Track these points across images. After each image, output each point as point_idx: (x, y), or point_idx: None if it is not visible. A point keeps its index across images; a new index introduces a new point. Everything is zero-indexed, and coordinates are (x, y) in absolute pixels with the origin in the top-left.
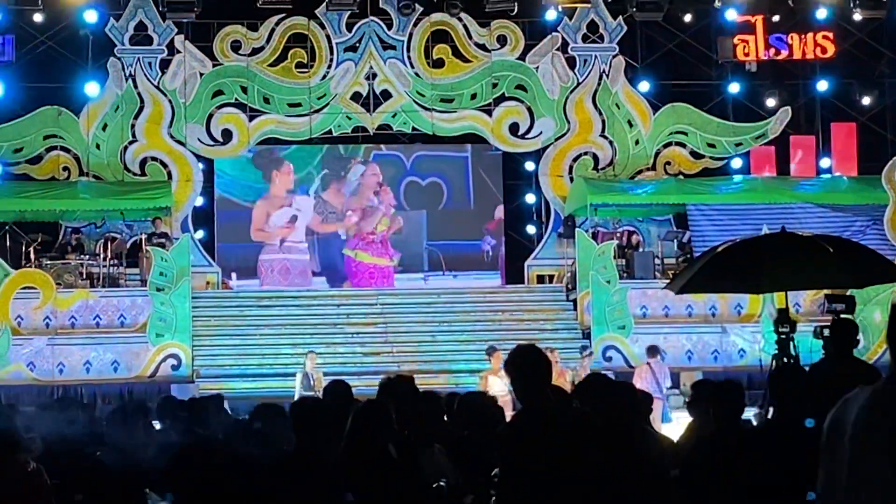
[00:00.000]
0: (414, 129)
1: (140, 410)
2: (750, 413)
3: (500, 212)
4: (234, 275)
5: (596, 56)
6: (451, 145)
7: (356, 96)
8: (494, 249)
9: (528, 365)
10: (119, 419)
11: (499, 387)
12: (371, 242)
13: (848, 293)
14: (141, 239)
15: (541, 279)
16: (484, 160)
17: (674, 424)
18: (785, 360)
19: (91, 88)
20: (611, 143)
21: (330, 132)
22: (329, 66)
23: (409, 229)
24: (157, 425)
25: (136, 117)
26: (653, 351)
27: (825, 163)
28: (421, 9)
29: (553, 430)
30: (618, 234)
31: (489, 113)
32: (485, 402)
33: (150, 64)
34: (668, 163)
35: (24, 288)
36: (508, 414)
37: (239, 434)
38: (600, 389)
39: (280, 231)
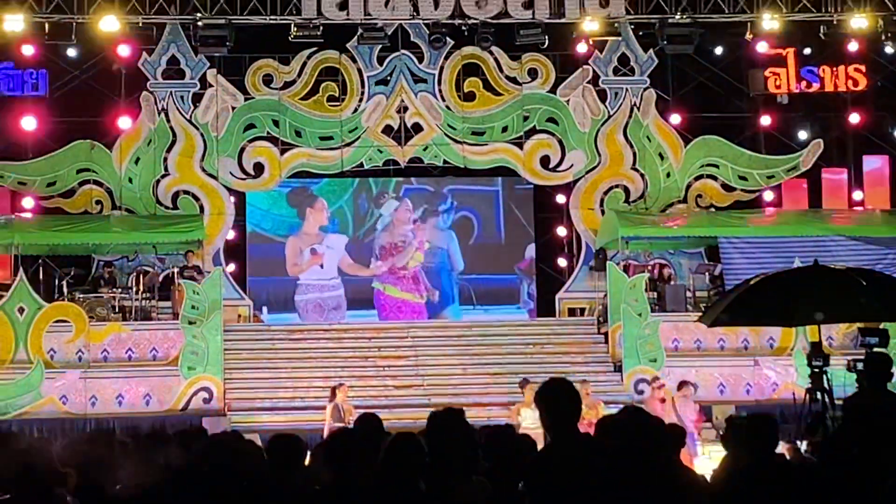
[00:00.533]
0: (445, 161)
1: (159, 442)
2: (782, 447)
3: (531, 250)
4: (264, 309)
5: (627, 89)
6: (481, 179)
7: (387, 129)
8: (531, 294)
9: (557, 398)
10: (137, 451)
11: (531, 419)
12: (401, 278)
13: (881, 326)
14: (173, 272)
15: (572, 312)
16: (515, 194)
17: (701, 459)
18: (818, 394)
19: (124, 122)
20: (642, 175)
21: (361, 165)
22: (360, 100)
23: (439, 263)
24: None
25: (168, 151)
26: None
27: (857, 195)
28: (452, 42)
29: (581, 463)
30: (649, 267)
31: (520, 146)
32: (510, 435)
33: (182, 98)
34: (699, 195)
35: (57, 321)
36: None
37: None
38: (629, 422)
39: (311, 262)
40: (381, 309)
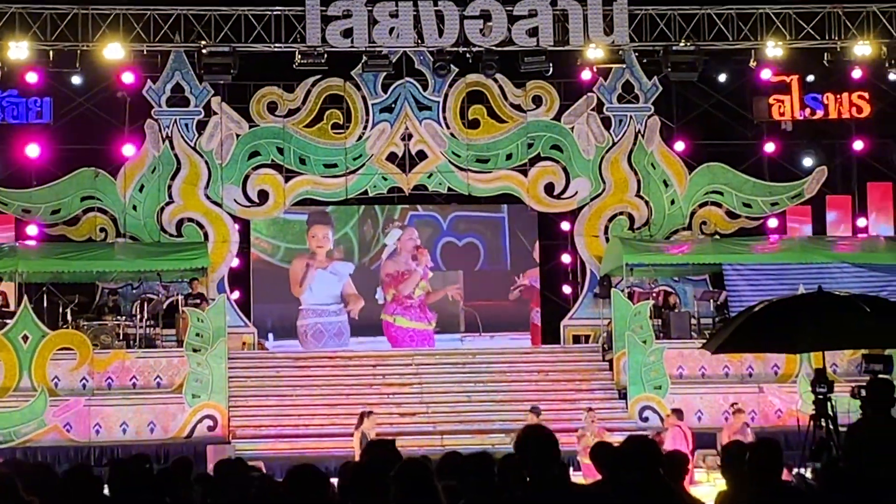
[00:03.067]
0: (450, 189)
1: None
2: (786, 473)
3: (533, 272)
4: (270, 336)
5: (631, 116)
6: (487, 206)
7: (392, 157)
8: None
9: (534, 444)
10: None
11: None
12: (409, 307)
13: (885, 353)
14: (177, 300)
15: (577, 339)
16: (521, 221)
17: (704, 487)
18: (823, 420)
19: (128, 150)
20: (646, 202)
21: (366, 192)
22: (365, 127)
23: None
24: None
25: (172, 178)
26: (679, 414)
27: (861, 222)
28: (456, 70)
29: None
30: (654, 294)
31: (524, 173)
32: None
33: (186, 125)
34: (703, 222)
35: (61, 349)
36: None
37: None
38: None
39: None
40: (392, 340)
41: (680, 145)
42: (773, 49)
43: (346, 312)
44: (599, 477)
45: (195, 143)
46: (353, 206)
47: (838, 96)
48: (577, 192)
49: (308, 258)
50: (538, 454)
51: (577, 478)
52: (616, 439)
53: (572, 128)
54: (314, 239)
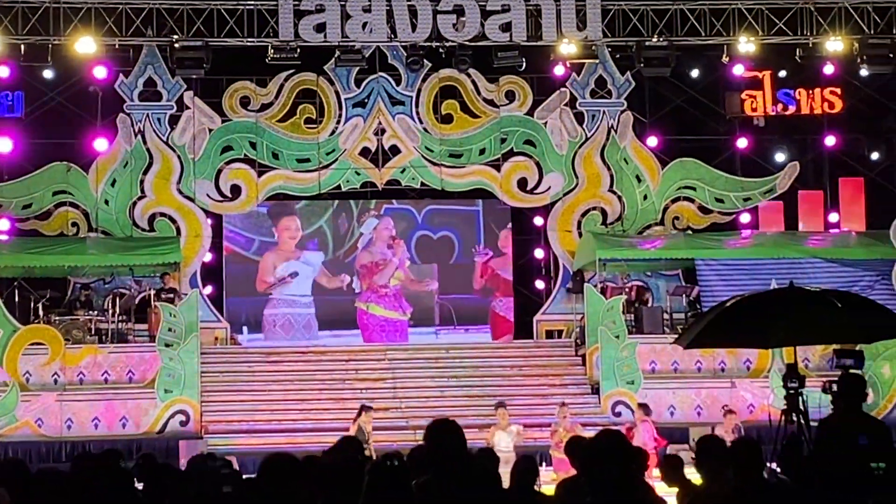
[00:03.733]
0: (423, 184)
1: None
2: None
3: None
4: (244, 329)
5: (604, 111)
6: (462, 199)
7: (365, 152)
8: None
9: (441, 436)
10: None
11: (505, 442)
12: (384, 296)
13: (857, 348)
14: (149, 295)
15: (549, 334)
16: (494, 215)
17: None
18: (794, 415)
19: (100, 144)
20: (619, 198)
21: (339, 187)
22: (338, 122)
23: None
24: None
25: (144, 173)
26: (646, 409)
27: (833, 218)
28: (429, 64)
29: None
30: (626, 289)
31: (497, 168)
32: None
33: (159, 120)
34: (676, 218)
35: (33, 344)
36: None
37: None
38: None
39: (279, 283)
40: (364, 328)
41: (653, 140)
42: (746, 44)
43: (338, 289)
44: (573, 471)
45: (167, 138)
46: (327, 200)
47: (810, 92)
48: (549, 187)
49: (278, 256)
50: (451, 444)
51: (548, 473)
52: (589, 434)
53: (545, 123)
54: (286, 231)
